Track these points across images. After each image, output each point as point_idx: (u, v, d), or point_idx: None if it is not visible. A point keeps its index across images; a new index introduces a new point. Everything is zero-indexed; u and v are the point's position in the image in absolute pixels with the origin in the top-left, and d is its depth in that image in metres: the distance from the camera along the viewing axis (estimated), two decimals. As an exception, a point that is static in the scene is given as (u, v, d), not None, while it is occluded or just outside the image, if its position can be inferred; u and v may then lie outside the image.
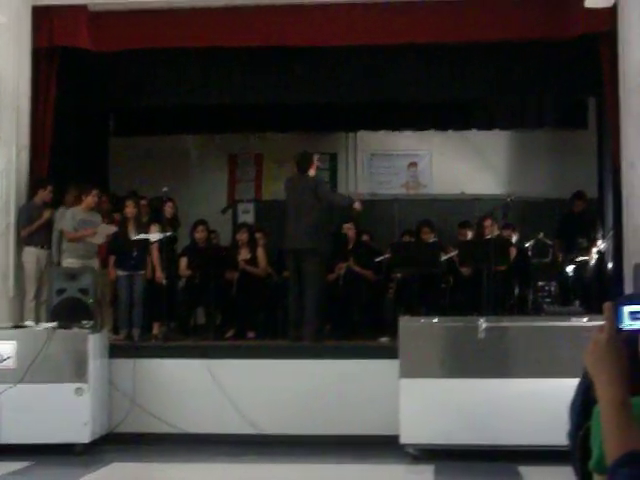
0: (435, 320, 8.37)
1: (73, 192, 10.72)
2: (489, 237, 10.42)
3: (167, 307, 10.33)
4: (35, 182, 10.73)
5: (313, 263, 9.73)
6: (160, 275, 10.60)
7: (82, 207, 10.58)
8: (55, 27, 10.92)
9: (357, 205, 10.06)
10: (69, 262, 10.20)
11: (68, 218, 10.42)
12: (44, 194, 10.55)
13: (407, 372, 8.20)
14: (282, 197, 10.84)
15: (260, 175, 15.63)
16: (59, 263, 10.33)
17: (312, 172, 10.06)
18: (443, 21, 10.83)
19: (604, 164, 12.61)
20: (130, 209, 10.73)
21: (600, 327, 2.16)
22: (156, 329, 10.49)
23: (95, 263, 10.41)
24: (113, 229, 10.65)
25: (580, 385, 3.98)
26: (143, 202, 11.31)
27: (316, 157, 10.41)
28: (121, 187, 13.07)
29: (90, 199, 10.57)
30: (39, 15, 10.83)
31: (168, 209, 11.02)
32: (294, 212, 9.86)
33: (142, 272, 10.52)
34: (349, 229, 11.27)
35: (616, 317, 2.10)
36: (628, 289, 9.20)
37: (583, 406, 3.83)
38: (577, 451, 3.23)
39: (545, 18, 10.62)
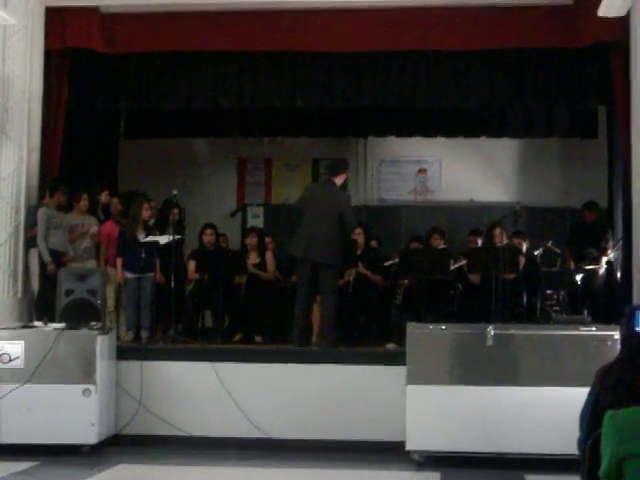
0: (443, 327, 8.36)
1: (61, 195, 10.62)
2: (498, 245, 10.40)
3: (175, 310, 10.32)
4: (46, 184, 10.71)
5: (330, 274, 9.69)
6: (160, 278, 10.59)
7: (75, 212, 10.68)
8: (67, 29, 11.00)
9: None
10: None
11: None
12: (59, 198, 10.53)
13: (414, 379, 8.19)
14: (292, 202, 10.79)
15: (270, 179, 15.63)
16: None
17: (339, 181, 9.99)
18: (454, 29, 10.85)
19: (614, 173, 12.59)
20: (146, 212, 10.76)
21: None
22: (164, 332, 10.50)
23: (92, 264, 10.60)
24: (95, 229, 10.80)
25: (590, 395, 4.01)
26: (153, 204, 11.30)
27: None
28: (130, 189, 13.06)
29: (82, 204, 10.67)
30: (51, 16, 10.89)
31: (174, 215, 10.99)
32: (313, 219, 9.64)
33: (151, 274, 10.51)
34: (358, 235, 11.23)
35: (633, 321, 2.15)
36: (637, 299, 9.17)
37: (592, 415, 3.84)
38: (586, 460, 3.24)
39: (557, 27, 10.61)
